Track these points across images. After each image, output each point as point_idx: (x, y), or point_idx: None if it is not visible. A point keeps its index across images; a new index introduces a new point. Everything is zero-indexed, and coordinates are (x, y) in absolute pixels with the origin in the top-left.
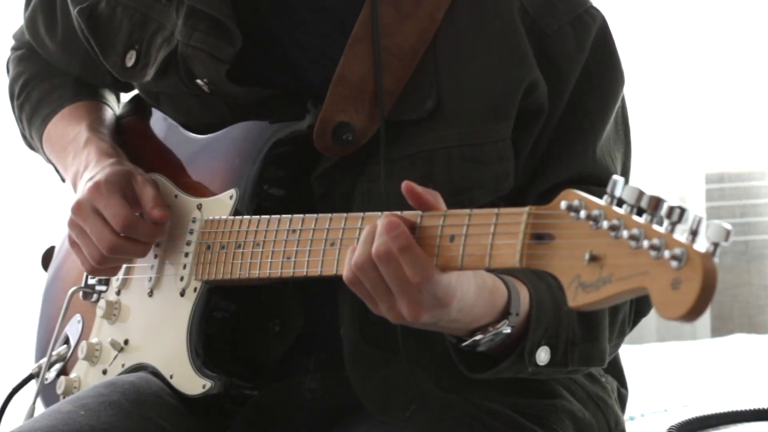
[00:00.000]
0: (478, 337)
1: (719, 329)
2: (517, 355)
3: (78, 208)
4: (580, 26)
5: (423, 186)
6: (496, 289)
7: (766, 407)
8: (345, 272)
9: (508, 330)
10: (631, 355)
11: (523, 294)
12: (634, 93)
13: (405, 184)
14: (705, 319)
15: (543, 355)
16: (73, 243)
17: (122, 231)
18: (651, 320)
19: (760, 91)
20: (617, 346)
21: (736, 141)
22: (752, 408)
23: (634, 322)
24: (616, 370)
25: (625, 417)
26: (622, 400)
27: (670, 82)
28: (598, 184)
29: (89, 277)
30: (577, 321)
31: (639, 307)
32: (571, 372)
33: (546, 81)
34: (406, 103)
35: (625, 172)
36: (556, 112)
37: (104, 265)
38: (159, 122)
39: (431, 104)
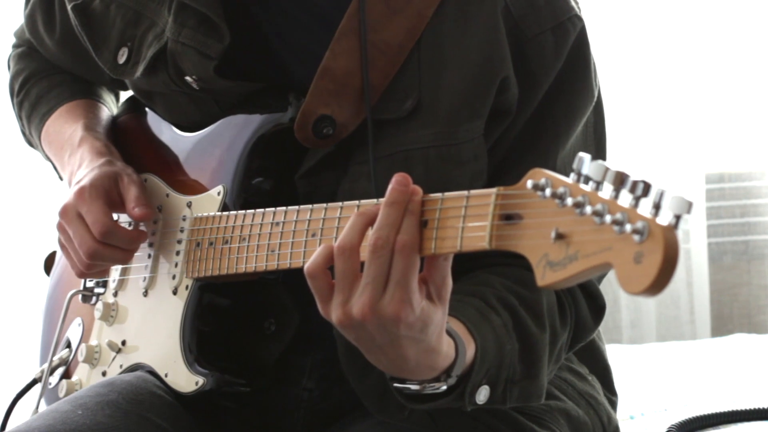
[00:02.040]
0: (413, 387)
1: (719, 329)
2: (457, 394)
3: (64, 212)
4: (560, 34)
5: None
6: (444, 357)
7: (766, 407)
8: (310, 261)
9: (444, 388)
10: (631, 355)
11: (470, 350)
12: (634, 93)
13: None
14: (705, 319)
15: (482, 395)
16: (62, 246)
17: (101, 238)
18: (651, 320)
19: (759, 92)
20: (552, 372)
21: (736, 141)
22: (752, 408)
23: (571, 346)
24: (602, 369)
25: (626, 416)
26: (612, 405)
27: (670, 82)
28: None
29: (87, 280)
30: (518, 357)
31: (576, 332)
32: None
33: (518, 84)
34: (388, 101)
35: None
36: (523, 116)
37: (90, 270)
38: (152, 122)
39: (411, 104)
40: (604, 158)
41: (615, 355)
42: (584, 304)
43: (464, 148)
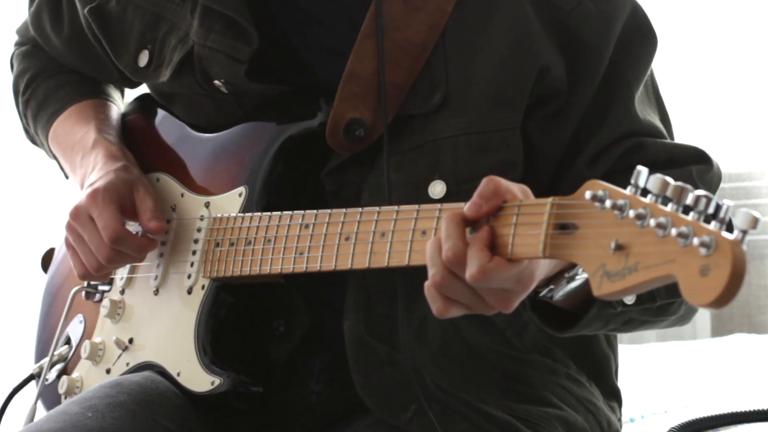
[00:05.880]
0: (546, 290)
1: (719, 329)
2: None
3: (76, 214)
4: None
5: (430, 175)
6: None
7: (766, 408)
8: (432, 280)
9: (584, 274)
10: (631, 355)
11: None
12: None
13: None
14: (705, 319)
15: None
16: (69, 246)
17: (110, 243)
18: None
19: (760, 92)
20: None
21: (736, 141)
22: (752, 409)
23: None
24: (600, 375)
25: (626, 419)
26: (615, 409)
27: (670, 82)
28: (648, 135)
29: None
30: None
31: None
32: (660, 311)
33: (571, 59)
34: (415, 97)
35: (671, 136)
36: (591, 84)
37: (100, 272)
38: (165, 121)
39: (439, 97)
40: (665, 114)
41: None
42: None
43: (495, 136)
